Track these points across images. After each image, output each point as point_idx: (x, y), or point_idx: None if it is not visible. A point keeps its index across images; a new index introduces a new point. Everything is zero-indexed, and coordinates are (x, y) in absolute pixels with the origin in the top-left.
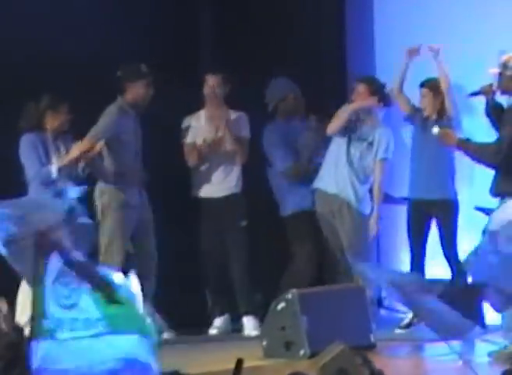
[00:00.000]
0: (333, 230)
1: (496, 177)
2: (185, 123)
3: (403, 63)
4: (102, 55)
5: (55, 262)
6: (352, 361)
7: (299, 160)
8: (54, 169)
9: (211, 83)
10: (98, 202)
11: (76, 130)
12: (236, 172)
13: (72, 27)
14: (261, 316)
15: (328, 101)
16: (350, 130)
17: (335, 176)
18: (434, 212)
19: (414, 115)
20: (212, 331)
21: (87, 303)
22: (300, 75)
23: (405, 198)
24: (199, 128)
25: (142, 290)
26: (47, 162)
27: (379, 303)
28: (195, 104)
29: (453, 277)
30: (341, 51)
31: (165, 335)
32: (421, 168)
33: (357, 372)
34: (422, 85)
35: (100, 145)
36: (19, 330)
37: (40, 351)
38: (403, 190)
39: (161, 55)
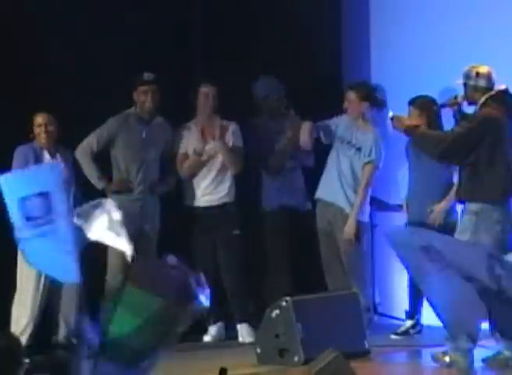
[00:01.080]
0: (329, 238)
1: (458, 183)
2: (176, 133)
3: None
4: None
5: None
6: (345, 367)
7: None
8: None
9: (207, 93)
10: None
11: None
12: (228, 181)
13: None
14: (255, 323)
15: (324, 104)
16: (340, 138)
17: (327, 184)
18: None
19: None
20: (207, 338)
21: None
22: (295, 78)
23: (400, 205)
24: (190, 138)
25: None
26: None
27: (374, 309)
28: (184, 114)
29: None
30: (336, 55)
31: None
32: (418, 179)
33: None
34: (410, 103)
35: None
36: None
37: None
38: (398, 197)
39: (152, 64)
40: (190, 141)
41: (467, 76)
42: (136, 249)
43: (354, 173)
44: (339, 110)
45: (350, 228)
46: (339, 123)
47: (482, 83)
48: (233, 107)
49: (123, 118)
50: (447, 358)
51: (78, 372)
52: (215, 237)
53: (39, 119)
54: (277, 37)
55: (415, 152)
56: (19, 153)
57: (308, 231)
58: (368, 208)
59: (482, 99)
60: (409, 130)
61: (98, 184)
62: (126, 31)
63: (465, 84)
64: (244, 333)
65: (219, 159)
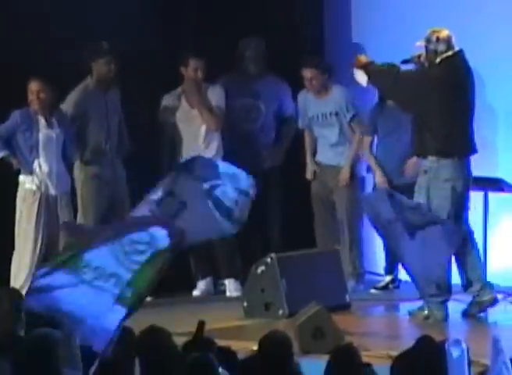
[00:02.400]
0: (324, 200)
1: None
2: (164, 101)
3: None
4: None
5: None
6: (327, 320)
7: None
8: (40, 142)
9: (195, 66)
10: (74, 176)
11: None
12: (216, 140)
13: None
14: (243, 278)
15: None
16: (313, 118)
17: (326, 153)
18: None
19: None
20: (196, 293)
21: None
22: (278, 43)
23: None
24: (176, 106)
25: None
26: (31, 135)
27: None
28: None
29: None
30: (319, 17)
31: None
32: (388, 142)
33: (332, 331)
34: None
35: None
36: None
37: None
38: None
39: (141, 35)
40: (175, 109)
41: (428, 40)
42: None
43: (345, 136)
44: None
45: (344, 174)
46: (305, 103)
47: (442, 47)
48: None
49: (84, 89)
50: (424, 313)
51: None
52: None
53: (32, 85)
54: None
55: (383, 117)
56: (13, 117)
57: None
58: (364, 164)
59: (438, 60)
60: (366, 67)
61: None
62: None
63: (426, 47)
64: (231, 288)
65: (202, 120)
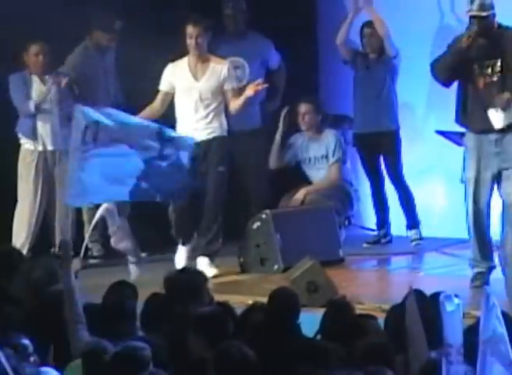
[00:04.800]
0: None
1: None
2: (166, 70)
3: (348, 18)
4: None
5: None
6: (321, 275)
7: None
8: (31, 104)
9: (192, 33)
10: None
11: None
12: (221, 116)
13: None
14: (237, 235)
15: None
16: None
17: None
18: (381, 143)
19: (356, 58)
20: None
21: None
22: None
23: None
24: (177, 76)
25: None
26: (28, 99)
27: (348, 221)
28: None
29: (401, 201)
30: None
31: (142, 254)
32: (366, 104)
33: (325, 285)
34: (363, 26)
35: (64, 81)
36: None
37: None
38: None
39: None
40: (177, 78)
41: (492, 7)
42: None
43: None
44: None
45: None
46: (296, 143)
47: None
48: None
49: (82, 51)
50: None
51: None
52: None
53: (34, 48)
54: None
55: (359, 70)
56: (12, 80)
57: None
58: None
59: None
60: None
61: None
62: None
63: (493, 15)
64: (202, 266)
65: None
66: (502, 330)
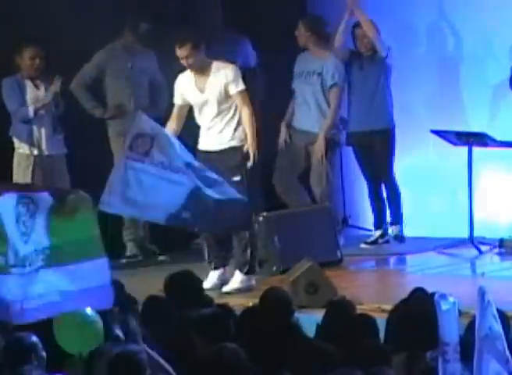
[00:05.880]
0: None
1: None
2: (176, 82)
3: (343, 21)
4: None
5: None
6: (320, 276)
7: None
8: (30, 110)
9: (182, 56)
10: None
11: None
12: (232, 125)
13: None
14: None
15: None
16: (298, 73)
17: (300, 114)
18: (375, 141)
19: (350, 59)
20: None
21: (39, 232)
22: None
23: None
24: (187, 88)
25: None
26: (23, 104)
27: (345, 222)
28: None
29: (388, 198)
30: None
31: (160, 258)
32: (361, 104)
33: (324, 285)
34: (354, 26)
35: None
36: None
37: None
38: None
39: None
40: (186, 91)
41: None
42: None
43: (317, 99)
44: None
45: (319, 147)
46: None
47: None
48: None
49: (110, 50)
50: None
51: None
52: None
53: (29, 52)
54: None
55: (353, 71)
56: (5, 84)
57: None
58: (337, 129)
59: None
60: None
61: (95, 113)
62: None
63: None
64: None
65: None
66: (498, 327)
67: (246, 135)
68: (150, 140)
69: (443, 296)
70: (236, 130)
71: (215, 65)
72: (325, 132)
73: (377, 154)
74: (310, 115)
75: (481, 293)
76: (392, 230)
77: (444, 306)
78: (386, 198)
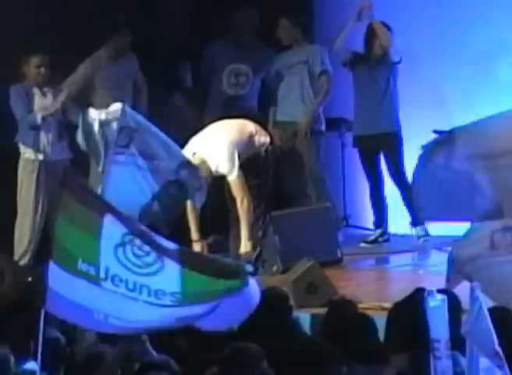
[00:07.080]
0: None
1: None
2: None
3: (347, 27)
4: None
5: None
6: (320, 275)
7: None
8: (38, 117)
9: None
10: None
11: None
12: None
13: None
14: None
15: None
16: (282, 66)
17: (287, 105)
18: (382, 145)
19: (356, 61)
20: None
21: (169, 276)
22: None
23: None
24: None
25: None
26: (30, 111)
27: (345, 222)
28: None
29: (404, 199)
30: None
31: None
32: (368, 107)
33: (325, 285)
34: (367, 30)
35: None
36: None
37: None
38: None
39: None
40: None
41: None
42: None
43: (303, 88)
44: None
45: (304, 123)
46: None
47: None
48: None
49: (95, 59)
50: None
51: None
52: None
53: (36, 60)
54: None
55: (360, 73)
56: (13, 91)
57: None
58: (323, 118)
59: None
60: None
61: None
62: None
63: None
64: None
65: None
66: (486, 321)
67: None
68: (130, 131)
69: (431, 292)
70: None
71: None
72: (311, 113)
73: (387, 155)
74: (296, 104)
75: (471, 288)
76: (417, 232)
77: (432, 303)
78: (402, 200)
